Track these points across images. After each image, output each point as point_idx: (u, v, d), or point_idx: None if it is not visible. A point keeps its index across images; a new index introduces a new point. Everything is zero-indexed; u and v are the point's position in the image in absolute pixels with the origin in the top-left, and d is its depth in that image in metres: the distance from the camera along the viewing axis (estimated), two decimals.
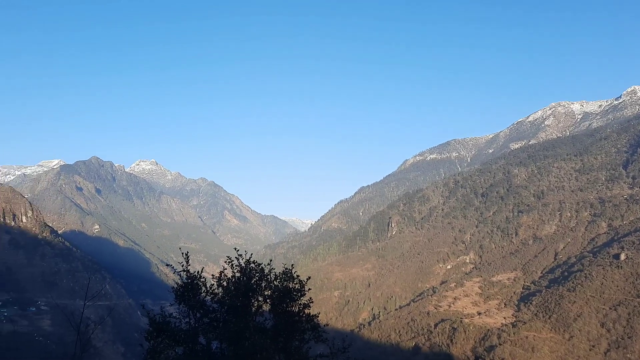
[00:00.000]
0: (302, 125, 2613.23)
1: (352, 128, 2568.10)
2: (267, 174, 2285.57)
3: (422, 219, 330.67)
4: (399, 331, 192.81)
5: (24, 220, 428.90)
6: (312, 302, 21.27)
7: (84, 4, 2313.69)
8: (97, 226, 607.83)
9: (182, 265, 20.28)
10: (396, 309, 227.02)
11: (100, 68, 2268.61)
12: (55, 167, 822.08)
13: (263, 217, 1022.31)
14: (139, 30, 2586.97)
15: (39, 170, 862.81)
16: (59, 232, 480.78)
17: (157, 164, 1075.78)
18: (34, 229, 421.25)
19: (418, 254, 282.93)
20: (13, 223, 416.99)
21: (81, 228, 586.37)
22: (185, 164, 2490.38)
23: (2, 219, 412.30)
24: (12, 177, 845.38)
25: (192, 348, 19.21)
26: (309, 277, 22.43)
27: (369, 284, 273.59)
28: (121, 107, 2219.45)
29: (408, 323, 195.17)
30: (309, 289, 21.36)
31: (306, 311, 20.86)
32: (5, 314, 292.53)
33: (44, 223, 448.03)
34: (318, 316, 21.23)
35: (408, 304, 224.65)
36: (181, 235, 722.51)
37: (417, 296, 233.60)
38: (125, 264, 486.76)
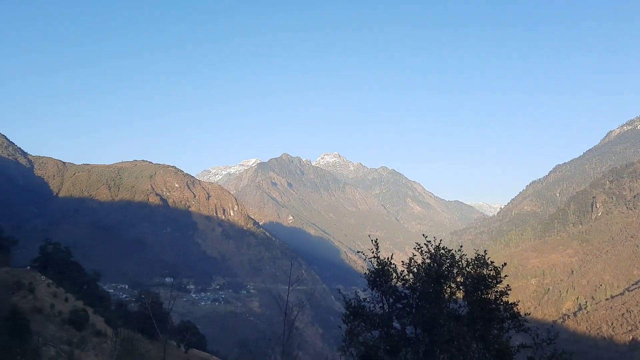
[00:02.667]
0: (484, 103, 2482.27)
1: (543, 100, 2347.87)
2: (449, 158, 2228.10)
3: (634, 197, 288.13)
4: (612, 323, 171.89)
5: (232, 214, 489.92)
6: (509, 289, 19.96)
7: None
8: (291, 217, 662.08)
9: (372, 252, 20.72)
10: (607, 299, 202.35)
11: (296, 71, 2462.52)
12: (253, 165, 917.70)
13: (447, 203, 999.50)
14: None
15: (240, 169, 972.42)
16: (260, 223, 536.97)
17: (339, 156, 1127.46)
18: (240, 221, 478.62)
19: (631, 237, 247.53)
20: (223, 217, 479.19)
21: (278, 219, 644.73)
22: (365, 155, 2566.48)
23: (215, 214, 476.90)
24: (220, 177, 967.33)
25: (387, 332, 19.54)
26: (505, 264, 21.04)
27: (572, 271, 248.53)
28: (304, 105, 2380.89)
29: (623, 314, 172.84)
30: (505, 276, 20.09)
31: (504, 299, 19.64)
32: (223, 296, 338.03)
33: (248, 216, 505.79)
34: (517, 304, 19.85)
35: (621, 294, 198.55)
36: (366, 223, 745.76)
37: (632, 285, 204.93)
38: (318, 251, 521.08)
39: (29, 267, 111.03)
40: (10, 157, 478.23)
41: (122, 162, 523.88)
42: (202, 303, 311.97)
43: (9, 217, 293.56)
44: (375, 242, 20.90)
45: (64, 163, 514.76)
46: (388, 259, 20.78)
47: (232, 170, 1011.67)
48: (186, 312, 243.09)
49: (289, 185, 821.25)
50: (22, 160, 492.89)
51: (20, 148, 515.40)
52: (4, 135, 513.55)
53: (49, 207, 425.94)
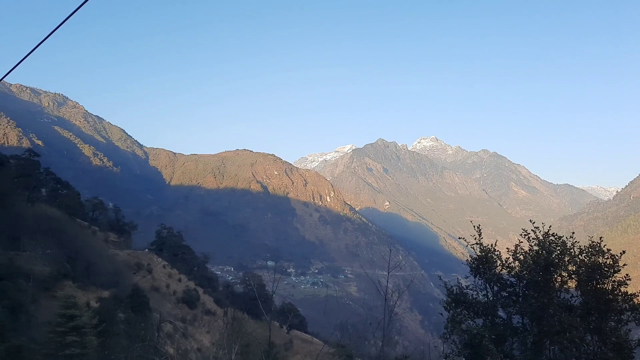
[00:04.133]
0: (599, 73, 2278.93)
1: None
2: (557, 139, 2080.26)
3: None
4: None
5: (328, 199, 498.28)
6: (629, 279, 18.33)
7: None
8: (387, 203, 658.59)
9: (475, 239, 20.02)
10: None
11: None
12: (348, 151, 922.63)
13: (555, 186, 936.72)
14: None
15: (336, 156, 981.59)
16: (356, 209, 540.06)
17: (437, 140, 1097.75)
18: (336, 207, 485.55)
19: None
20: (320, 202, 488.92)
21: (374, 205, 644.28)
22: (464, 137, 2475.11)
23: (312, 200, 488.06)
24: (316, 164, 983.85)
25: (492, 321, 18.86)
26: (623, 252, 19.33)
27: None
28: (399, 89, 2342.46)
29: None
30: (624, 265, 18.46)
31: (622, 289, 18.09)
32: (322, 280, 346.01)
33: (344, 202, 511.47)
34: (638, 296, 18.18)
35: None
36: (466, 208, 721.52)
37: None
38: (415, 237, 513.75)
39: (147, 250, 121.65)
40: (128, 150, 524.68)
41: (226, 152, 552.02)
42: (302, 286, 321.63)
43: (129, 204, 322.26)
44: (478, 228, 20.15)
45: (175, 154, 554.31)
46: (491, 245, 19.99)
47: (328, 157, 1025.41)
48: (287, 294, 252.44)
49: (385, 170, 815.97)
50: (139, 152, 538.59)
51: (137, 141, 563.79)
52: (123, 129, 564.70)
53: (162, 194, 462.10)
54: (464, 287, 19.96)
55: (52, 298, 56.55)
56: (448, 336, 18.53)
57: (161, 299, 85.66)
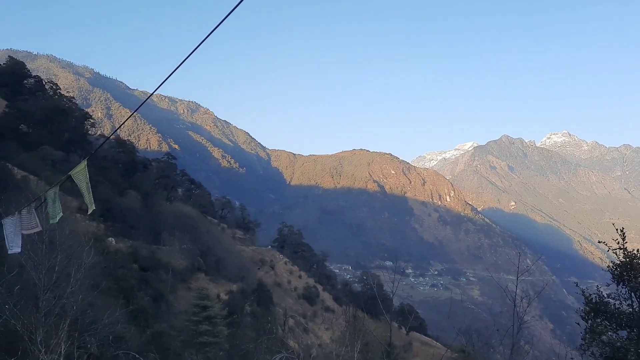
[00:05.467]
0: None
1: None
2: None
3: None
4: None
5: (448, 199, 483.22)
6: None
7: None
8: (512, 203, 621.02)
9: (617, 243, 17.90)
10: None
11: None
12: (469, 149, 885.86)
13: None
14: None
15: (456, 154, 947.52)
16: (478, 209, 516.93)
17: (570, 135, 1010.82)
18: (456, 207, 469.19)
19: None
20: (439, 202, 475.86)
21: (498, 205, 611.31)
22: (601, 132, 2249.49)
23: (430, 199, 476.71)
24: (435, 162, 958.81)
25: (638, 333, 16.76)
26: None
27: None
28: (525, 82, 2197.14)
29: None
30: None
31: None
32: (442, 282, 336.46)
33: (465, 201, 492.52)
34: None
35: None
36: (605, 209, 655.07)
37: None
38: (545, 240, 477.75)
39: (269, 247, 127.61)
40: (252, 152, 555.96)
41: (343, 152, 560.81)
42: (421, 288, 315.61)
43: (253, 203, 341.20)
44: (621, 231, 17.99)
45: (295, 155, 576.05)
46: (637, 250, 17.73)
47: (447, 155, 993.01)
48: (406, 295, 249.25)
49: (510, 168, 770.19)
50: (262, 154, 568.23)
51: (260, 143, 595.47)
52: (247, 133, 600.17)
53: (283, 193, 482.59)
54: (605, 295, 17.97)
55: (187, 289, 61.63)
56: (586, 348, 16.82)
57: (283, 294, 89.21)
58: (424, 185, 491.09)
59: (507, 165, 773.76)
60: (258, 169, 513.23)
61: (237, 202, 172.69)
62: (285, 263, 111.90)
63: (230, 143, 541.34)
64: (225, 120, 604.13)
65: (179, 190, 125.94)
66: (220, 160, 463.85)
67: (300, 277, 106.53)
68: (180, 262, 72.99)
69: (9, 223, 6.56)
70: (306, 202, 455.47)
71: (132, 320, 33.69)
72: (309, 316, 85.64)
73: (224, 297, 62.23)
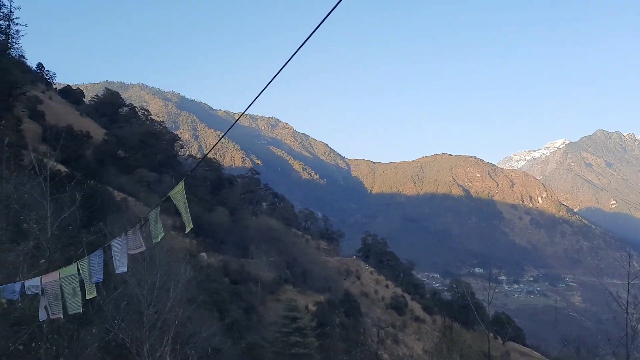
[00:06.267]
0: None
1: None
2: None
3: None
4: None
5: (540, 201, 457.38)
6: None
7: None
8: (613, 201, 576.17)
9: None
10: None
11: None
12: (560, 147, 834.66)
13: None
14: None
15: (546, 152, 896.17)
16: (575, 209, 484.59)
17: None
18: (550, 208, 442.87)
19: None
20: (530, 204, 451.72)
21: (596, 204, 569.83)
22: None
23: (520, 202, 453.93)
24: (523, 163, 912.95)
25: None
26: None
27: None
28: (618, 66, 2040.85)
29: None
30: None
31: None
32: (538, 288, 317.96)
33: (559, 202, 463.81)
34: None
35: None
36: None
37: None
38: None
39: (354, 256, 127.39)
40: (332, 162, 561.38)
41: (424, 157, 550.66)
42: (516, 295, 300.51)
43: (335, 213, 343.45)
44: None
45: (374, 163, 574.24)
46: None
47: (536, 155, 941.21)
48: (499, 303, 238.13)
49: (608, 165, 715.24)
50: (341, 164, 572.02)
51: (339, 154, 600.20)
52: (326, 144, 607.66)
53: (365, 202, 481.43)
54: None
55: (276, 301, 62.89)
56: None
57: (370, 304, 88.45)
58: (512, 187, 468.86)
59: (604, 161, 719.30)
60: (338, 180, 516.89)
61: (319, 213, 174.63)
62: (371, 273, 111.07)
63: (310, 155, 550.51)
64: (304, 134, 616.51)
65: (264, 204, 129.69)
66: (301, 173, 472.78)
67: (387, 286, 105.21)
68: (268, 274, 74.74)
69: (117, 244, 6.91)
70: (388, 210, 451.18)
71: (227, 333, 34.81)
72: (399, 326, 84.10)
73: (312, 308, 62.73)
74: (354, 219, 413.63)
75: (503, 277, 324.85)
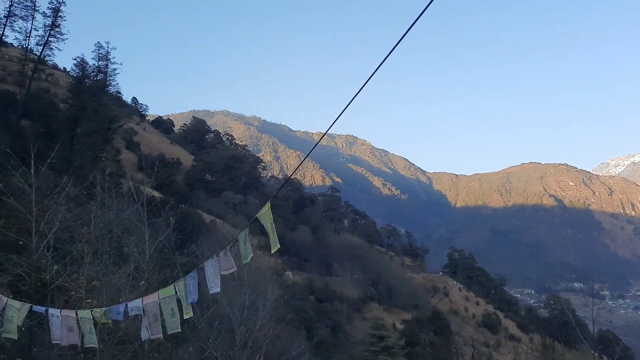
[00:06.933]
0: None
1: None
2: None
3: None
4: None
5: None
6: None
7: None
8: None
9: None
10: None
11: None
12: None
13: None
14: None
15: None
16: None
17: None
18: None
19: None
20: (633, 213, 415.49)
21: None
22: None
23: (622, 210, 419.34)
24: (622, 168, 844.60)
25: None
26: None
27: None
28: None
29: None
30: None
31: None
32: None
33: None
34: None
35: None
36: None
37: None
38: None
39: (440, 273, 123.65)
40: (412, 177, 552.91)
41: (510, 167, 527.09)
42: (621, 311, 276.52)
43: (418, 228, 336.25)
44: None
45: (457, 176, 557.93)
46: None
47: (637, 159, 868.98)
48: (603, 320, 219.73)
49: None
50: (423, 178, 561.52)
51: (420, 168, 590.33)
52: (406, 159, 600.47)
53: (449, 216, 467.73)
54: None
55: (362, 319, 62.35)
56: None
57: (461, 322, 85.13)
58: (611, 195, 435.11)
59: None
60: (420, 194, 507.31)
61: (402, 229, 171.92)
62: (460, 289, 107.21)
63: (389, 171, 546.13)
64: (382, 149, 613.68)
65: (345, 221, 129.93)
66: (381, 189, 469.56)
67: (477, 303, 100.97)
68: (353, 292, 74.35)
69: (210, 265, 7.16)
70: (475, 223, 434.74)
71: (315, 351, 34.92)
72: (493, 345, 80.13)
73: (399, 326, 61.48)
74: (438, 234, 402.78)
75: (606, 292, 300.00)
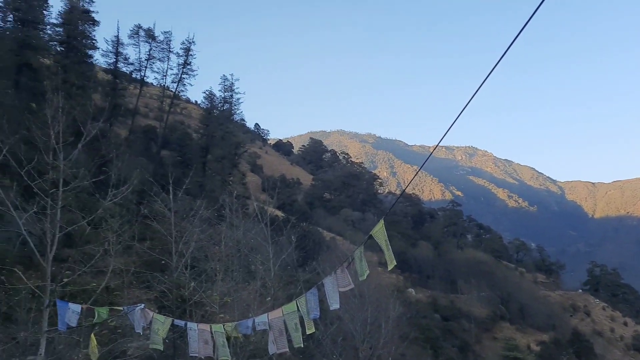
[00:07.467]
0: None
1: None
2: None
3: None
4: None
5: None
6: None
7: None
8: None
9: None
10: None
11: None
12: None
13: None
14: None
15: None
16: None
17: None
18: None
19: None
20: None
21: None
22: None
23: None
24: None
25: None
26: None
27: None
28: None
29: None
30: None
31: None
32: None
33: None
34: None
35: None
36: None
37: None
38: None
39: (580, 290, 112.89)
40: (541, 187, 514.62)
41: None
42: None
43: (551, 242, 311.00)
44: None
45: (594, 184, 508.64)
46: None
47: None
48: None
49: None
50: (553, 188, 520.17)
51: (549, 177, 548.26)
52: (533, 168, 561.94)
53: (586, 229, 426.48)
54: None
55: (492, 339, 58.97)
56: None
57: (606, 345, 76.74)
58: None
59: None
60: (551, 205, 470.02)
61: (532, 244, 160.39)
62: (604, 308, 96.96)
63: (514, 181, 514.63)
64: (505, 159, 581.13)
65: (468, 236, 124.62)
66: (506, 201, 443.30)
67: (625, 324, 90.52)
68: (481, 311, 70.74)
69: (328, 282, 7.38)
70: (617, 235, 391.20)
71: None
72: None
73: (534, 347, 57.10)
74: (574, 248, 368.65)
75: None
